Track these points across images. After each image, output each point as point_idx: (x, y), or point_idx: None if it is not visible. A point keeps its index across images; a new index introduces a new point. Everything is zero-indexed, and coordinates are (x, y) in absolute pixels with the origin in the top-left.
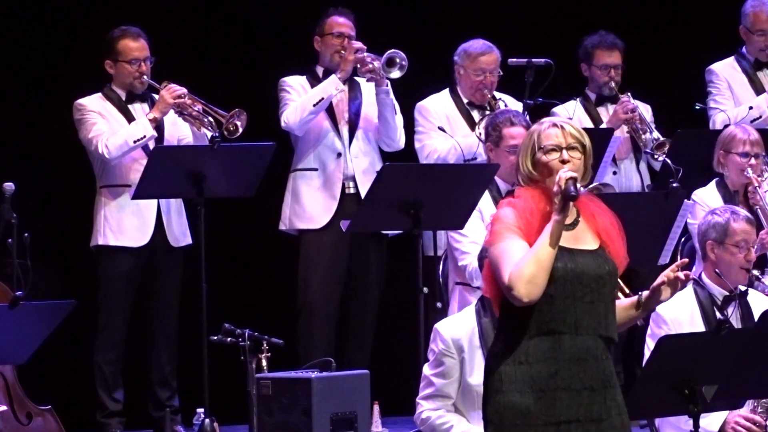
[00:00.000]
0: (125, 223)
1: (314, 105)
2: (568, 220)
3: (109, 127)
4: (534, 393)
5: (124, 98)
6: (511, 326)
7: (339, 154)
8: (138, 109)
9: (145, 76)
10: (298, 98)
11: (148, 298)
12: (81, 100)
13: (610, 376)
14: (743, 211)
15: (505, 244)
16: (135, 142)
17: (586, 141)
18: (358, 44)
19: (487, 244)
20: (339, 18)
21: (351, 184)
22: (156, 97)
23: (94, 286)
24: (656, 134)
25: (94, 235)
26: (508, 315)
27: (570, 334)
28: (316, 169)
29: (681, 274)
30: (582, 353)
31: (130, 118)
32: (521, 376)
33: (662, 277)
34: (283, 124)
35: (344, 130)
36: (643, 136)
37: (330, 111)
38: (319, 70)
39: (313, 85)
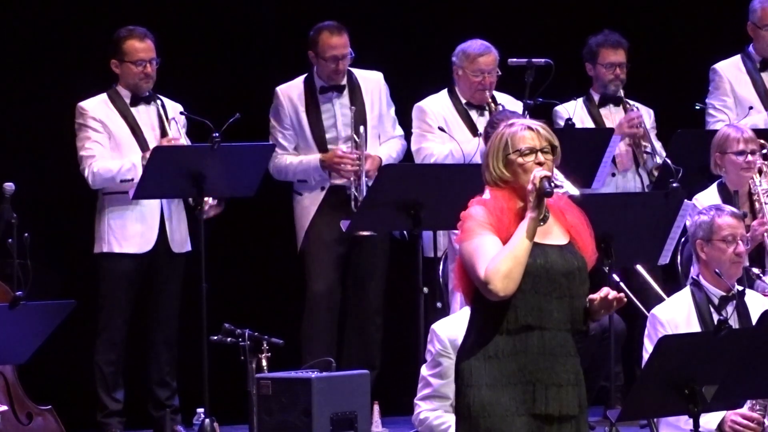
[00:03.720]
0: (129, 229)
1: (298, 181)
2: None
3: (103, 149)
4: (502, 386)
5: (129, 100)
6: (481, 322)
7: (323, 188)
8: (143, 111)
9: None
10: (286, 138)
11: (148, 300)
12: (84, 104)
13: (578, 373)
14: (728, 207)
15: (478, 240)
16: (121, 181)
17: (557, 143)
18: (348, 164)
19: (458, 241)
20: (332, 38)
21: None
22: (163, 99)
23: (95, 286)
24: (657, 158)
25: (98, 241)
26: (479, 310)
27: (539, 329)
28: (300, 194)
29: (611, 296)
30: (552, 348)
31: (131, 125)
32: (490, 370)
33: (598, 296)
34: (270, 170)
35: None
36: (644, 155)
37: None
38: (317, 82)
39: (307, 98)
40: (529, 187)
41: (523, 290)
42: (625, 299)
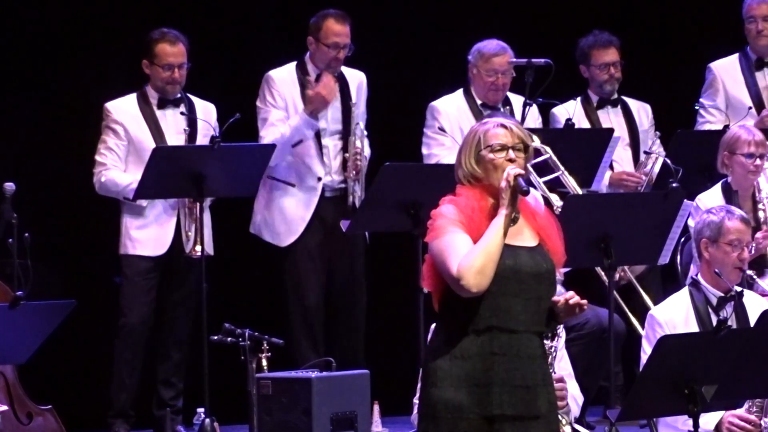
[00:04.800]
0: (143, 232)
1: (293, 146)
2: None
3: (117, 158)
4: (468, 387)
5: (156, 102)
6: (449, 322)
7: (319, 179)
8: (170, 115)
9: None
10: (278, 114)
11: (163, 301)
12: (110, 105)
13: (545, 374)
14: (738, 211)
15: (449, 237)
16: (125, 198)
17: (530, 142)
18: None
19: (428, 239)
20: (336, 25)
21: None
22: (193, 100)
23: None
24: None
25: (120, 242)
26: (447, 310)
27: (507, 330)
28: (294, 185)
29: (572, 301)
30: (518, 350)
31: (154, 129)
32: (456, 371)
33: (561, 298)
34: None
35: (330, 147)
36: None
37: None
38: (311, 68)
39: (300, 79)
40: (503, 184)
41: (492, 291)
42: (586, 305)
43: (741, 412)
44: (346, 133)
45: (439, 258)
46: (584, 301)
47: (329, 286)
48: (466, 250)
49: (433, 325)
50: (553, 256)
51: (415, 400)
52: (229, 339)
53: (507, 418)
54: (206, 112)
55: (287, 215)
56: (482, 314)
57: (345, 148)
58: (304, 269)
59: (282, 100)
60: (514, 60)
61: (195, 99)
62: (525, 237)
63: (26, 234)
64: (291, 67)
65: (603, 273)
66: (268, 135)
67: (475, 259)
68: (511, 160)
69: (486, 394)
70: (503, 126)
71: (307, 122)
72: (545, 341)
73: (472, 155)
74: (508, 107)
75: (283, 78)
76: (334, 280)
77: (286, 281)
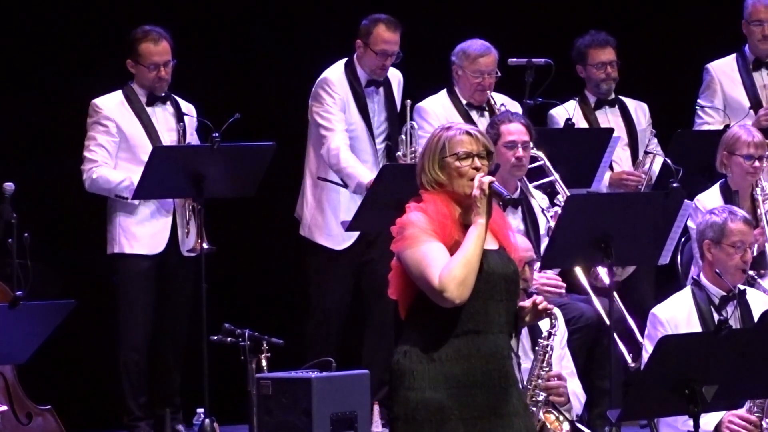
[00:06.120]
0: (139, 231)
1: (340, 177)
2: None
3: (108, 154)
4: (448, 389)
5: (144, 99)
6: (423, 326)
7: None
8: (159, 112)
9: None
10: (339, 125)
11: (160, 300)
12: (99, 101)
13: (513, 374)
14: (741, 212)
15: (426, 248)
16: (116, 196)
17: (492, 149)
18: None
19: (400, 248)
20: (386, 33)
21: None
22: (178, 99)
23: (96, 286)
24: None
25: (110, 242)
26: (420, 315)
27: (483, 332)
28: (346, 186)
29: (541, 306)
30: (494, 351)
31: (146, 125)
32: (434, 374)
33: (528, 302)
34: (324, 151)
35: (381, 154)
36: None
37: (370, 129)
38: (359, 70)
39: (353, 88)
40: (476, 192)
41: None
42: (553, 310)
43: (742, 412)
44: (393, 134)
45: (416, 269)
46: (552, 306)
47: (362, 291)
48: (444, 260)
49: None
50: (514, 257)
51: None
52: (229, 339)
53: (489, 419)
54: (187, 111)
55: (340, 217)
56: (459, 318)
57: (389, 150)
58: (332, 274)
59: (341, 101)
60: (515, 60)
61: (179, 99)
62: (488, 240)
63: (26, 234)
64: (344, 76)
65: (582, 274)
66: (332, 143)
67: (456, 269)
68: (476, 168)
69: (467, 396)
70: (468, 133)
71: (358, 187)
72: (540, 340)
73: (435, 161)
74: (502, 105)
75: (339, 84)
76: (367, 285)
77: (311, 282)
